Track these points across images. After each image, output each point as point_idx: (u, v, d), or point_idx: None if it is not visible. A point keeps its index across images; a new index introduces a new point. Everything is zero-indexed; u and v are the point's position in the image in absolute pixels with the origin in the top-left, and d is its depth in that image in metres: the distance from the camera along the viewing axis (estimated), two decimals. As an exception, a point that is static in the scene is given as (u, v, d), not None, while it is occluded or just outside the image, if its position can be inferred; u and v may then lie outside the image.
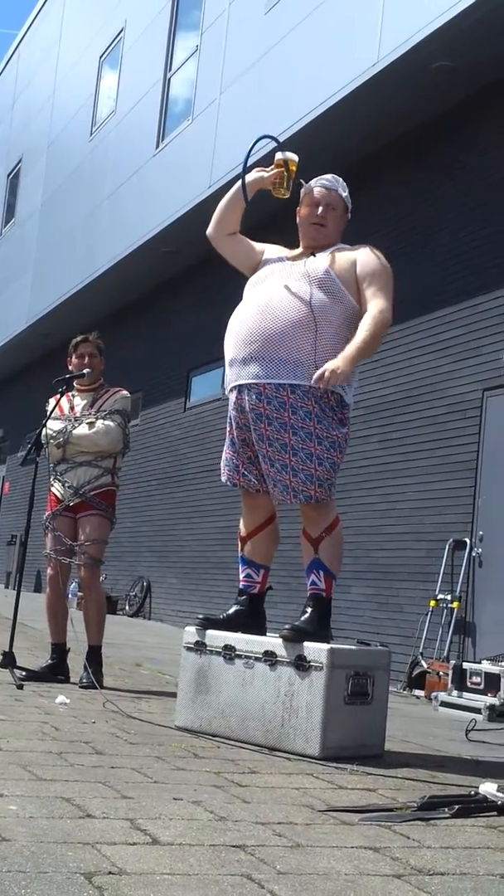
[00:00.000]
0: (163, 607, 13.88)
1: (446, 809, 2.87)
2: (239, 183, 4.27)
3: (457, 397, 8.39)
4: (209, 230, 4.43)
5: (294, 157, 4.24)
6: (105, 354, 6.03)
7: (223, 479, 4.32)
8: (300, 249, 4.30)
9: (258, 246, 4.40)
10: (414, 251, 9.17)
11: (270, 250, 4.35)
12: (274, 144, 4.34)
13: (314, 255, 4.16)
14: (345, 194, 4.34)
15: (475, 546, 7.93)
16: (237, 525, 4.39)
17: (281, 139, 4.36)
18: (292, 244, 4.38)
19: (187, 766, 3.30)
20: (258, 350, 4.03)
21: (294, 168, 4.23)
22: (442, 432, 8.51)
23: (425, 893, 2.09)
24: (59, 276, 17.53)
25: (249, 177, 4.25)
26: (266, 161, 4.34)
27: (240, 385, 4.10)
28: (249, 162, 4.24)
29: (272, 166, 4.26)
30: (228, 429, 4.25)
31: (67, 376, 5.83)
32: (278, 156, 4.24)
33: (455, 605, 7.92)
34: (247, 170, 4.22)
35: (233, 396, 4.15)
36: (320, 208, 4.26)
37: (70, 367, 5.93)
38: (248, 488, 4.24)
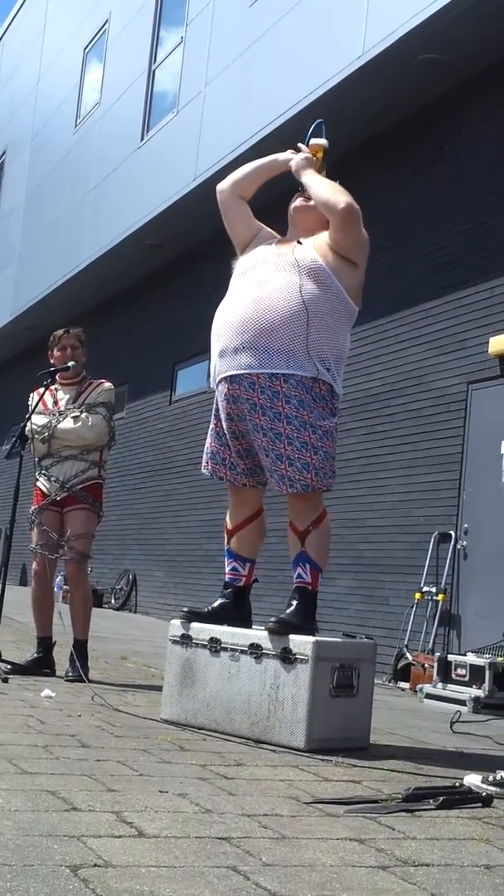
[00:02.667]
0: (148, 600, 13.87)
1: (431, 801, 2.88)
2: (279, 154, 4.41)
3: (441, 390, 8.41)
4: (223, 184, 4.44)
5: (322, 142, 4.42)
6: (87, 347, 6.00)
7: (205, 471, 4.30)
8: (288, 236, 4.29)
9: (256, 223, 4.41)
10: (398, 243, 9.17)
11: (264, 233, 4.36)
12: (313, 127, 4.49)
13: (300, 243, 4.15)
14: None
15: (460, 539, 7.95)
16: (223, 518, 4.39)
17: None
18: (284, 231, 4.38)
19: (173, 759, 3.30)
20: (250, 340, 4.01)
21: (320, 155, 4.38)
22: (427, 425, 8.53)
23: (410, 884, 2.10)
24: (43, 269, 17.47)
25: (286, 154, 4.39)
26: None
27: (231, 375, 4.09)
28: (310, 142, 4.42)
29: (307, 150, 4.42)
30: (215, 421, 4.23)
31: (52, 369, 5.80)
32: (312, 141, 4.41)
33: (440, 597, 7.94)
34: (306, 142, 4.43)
35: (223, 387, 4.11)
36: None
37: (51, 361, 5.89)
38: (234, 482, 4.23)
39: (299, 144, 4.42)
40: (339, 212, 4.04)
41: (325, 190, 4.14)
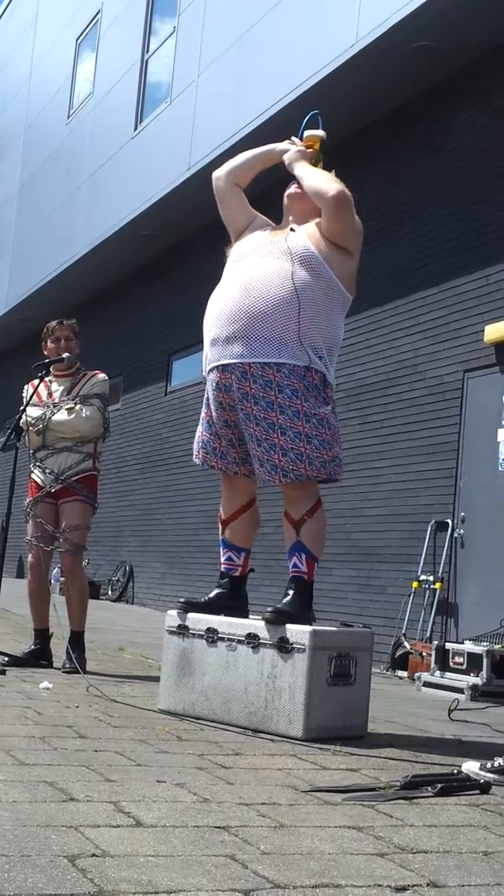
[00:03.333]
0: (145, 591, 13.88)
1: (429, 788, 2.89)
2: (275, 144, 4.41)
3: (437, 379, 8.40)
4: (219, 172, 4.43)
5: (320, 133, 4.41)
6: (81, 338, 5.99)
7: (196, 460, 4.30)
8: (282, 224, 4.29)
9: (251, 211, 4.41)
10: (393, 232, 9.16)
11: (259, 220, 4.36)
12: (308, 119, 4.49)
13: (293, 230, 4.14)
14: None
15: (457, 527, 7.96)
16: (219, 508, 4.38)
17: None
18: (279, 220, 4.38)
19: (171, 749, 3.31)
20: (242, 329, 3.99)
21: (316, 146, 4.38)
22: (423, 414, 8.53)
23: (408, 871, 2.10)
24: (38, 260, 17.43)
25: (282, 144, 4.40)
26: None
27: (223, 365, 4.08)
28: (305, 134, 4.42)
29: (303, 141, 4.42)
30: (206, 410, 4.22)
31: (46, 361, 5.79)
32: (309, 132, 4.40)
33: (437, 585, 7.95)
34: (300, 136, 4.43)
35: (214, 376, 4.10)
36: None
37: (45, 353, 5.88)
38: (226, 471, 4.22)
39: (293, 138, 4.41)
40: (330, 199, 4.03)
41: (316, 180, 4.13)
